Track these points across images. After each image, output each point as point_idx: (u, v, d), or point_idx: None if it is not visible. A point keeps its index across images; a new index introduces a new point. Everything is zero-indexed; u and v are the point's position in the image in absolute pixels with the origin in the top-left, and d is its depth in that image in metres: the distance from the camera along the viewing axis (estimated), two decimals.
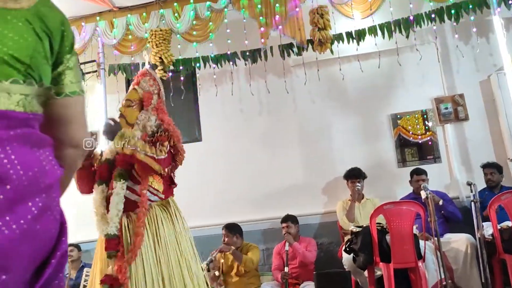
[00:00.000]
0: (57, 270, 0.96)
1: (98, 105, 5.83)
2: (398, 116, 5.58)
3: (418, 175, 4.84)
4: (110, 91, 6.00)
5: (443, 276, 3.87)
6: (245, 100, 5.91)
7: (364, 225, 4.18)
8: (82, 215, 5.90)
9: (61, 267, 0.98)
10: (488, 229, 3.89)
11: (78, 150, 1.11)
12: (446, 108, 5.38)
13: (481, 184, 4.71)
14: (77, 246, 5.44)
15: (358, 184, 5.00)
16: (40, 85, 0.99)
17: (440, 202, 4.36)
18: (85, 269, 5.14)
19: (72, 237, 5.82)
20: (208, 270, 4.02)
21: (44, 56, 1.00)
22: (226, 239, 4.84)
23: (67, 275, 5.37)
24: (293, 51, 5.48)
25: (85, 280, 4.97)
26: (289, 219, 5.01)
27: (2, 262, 0.84)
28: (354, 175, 5.08)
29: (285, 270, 4.59)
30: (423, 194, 4.14)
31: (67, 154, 1.09)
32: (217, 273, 4.47)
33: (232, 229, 4.91)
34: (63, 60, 1.06)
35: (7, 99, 0.92)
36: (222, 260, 4.79)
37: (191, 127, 6.15)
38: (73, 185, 2.67)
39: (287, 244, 4.78)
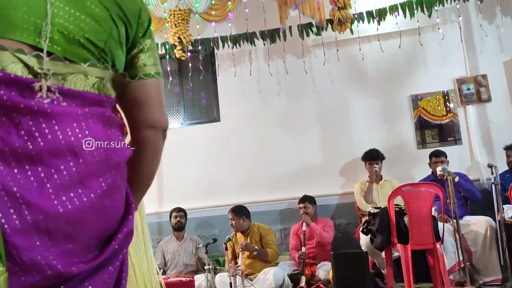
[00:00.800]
0: (122, 245, 0.99)
1: None
2: (419, 98, 5.50)
3: (437, 157, 4.78)
4: None
5: (461, 259, 3.86)
6: (264, 80, 5.90)
7: (382, 207, 4.17)
8: None
9: (126, 243, 1.01)
10: (508, 211, 3.86)
11: (157, 130, 1.10)
12: (468, 89, 5.29)
13: (502, 167, 4.65)
14: None
15: (376, 165, 4.98)
16: (115, 70, 1.01)
17: (456, 179, 4.30)
18: None
19: None
20: (226, 249, 4.08)
21: (119, 42, 1.02)
22: (233, 222, 4.89)
23: None
24: (312, 31, 5.41)
25: None
26: (307, 199, 5.03)
27: (71, 231, 0.88)
28: (372, 157, 5.06)
29: (303, 250, 4.63)
30: (438, 170, 4.11)
31: (146, 135, 1.08)
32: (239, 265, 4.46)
33: (238, 211, 4.95)
34: (137, 44, 1.07)
35: (83, 81, 0.95)
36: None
37: (210, 107, 6.17)
38: None
39: (304, 224, 4.81)
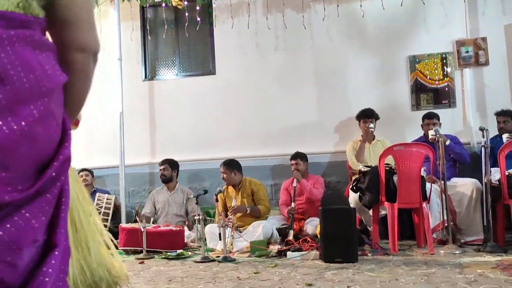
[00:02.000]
0: (59, 172, 0.96)
1: (111, 32, 5.76)
2: (417, 60, 5.45)
3: (429, 119, 4.80)
4: (124, 19, 5.92)
5: (445, 218, 3.95)
6: (261, 34, 5.80)
7: (373, 166, 4.22)
8: (94, 141, 6.07)
9: (64, 171, 0.98)
10: (495, 174, 3.91)
11: (86, 53, 1.04)
12: (467, 52, 5.24)
13: (493, 132, 4.68)
14: (90, 171, 5.60)
15: (370, 123, 4.99)
16: None
17: (447, 142, 4.34)
18: (97, 194, 5.33)
19: (86, 162, 6.02)
20: (217, 201, 4.13)
21: None
22: (224, 176, 4.92)
23: None
24: None
25: (97, 204, 5.17)
26: (299, 156, 5.07)
27: (2, 160, 0.85)
28: (367, 115, 5.07)
29: (292, 206, 4.71)
30: (430, 133, 4.14)
31: (75, 59, 1.03)
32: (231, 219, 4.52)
33: (230, 165, 4.97)
34: None
35: (6, 0, 0.88)
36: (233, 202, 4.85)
37: (205, 60, 6.10)
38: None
39: (295, 180, 4.87)
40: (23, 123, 0.87)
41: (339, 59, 5.65)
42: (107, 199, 5.24)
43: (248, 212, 4.77)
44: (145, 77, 6.15)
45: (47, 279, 0.91)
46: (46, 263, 0.92)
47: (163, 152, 5.82)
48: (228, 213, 4.70)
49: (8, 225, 0.86)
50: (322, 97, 5.67)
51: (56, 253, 0.95)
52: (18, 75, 0.86)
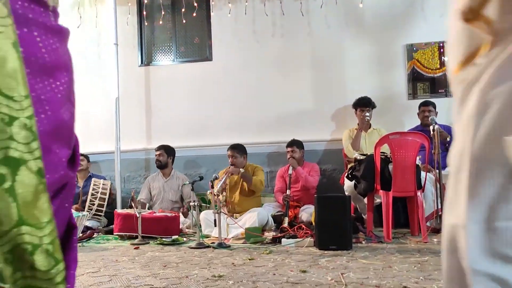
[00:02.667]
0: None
1: (107, 16, 5.71)
2: (414, 48, 5.44)
3: (424, 106, 4.82)
4: (120, 3, 5.87)
5: (439, 207, 3.98)
6: (259, 21, 5.76)
7: (369, 154, 4.23)
8: (90, 127, 6.05)
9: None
10: None
11: None
12: None
13: None
14: (86, 156, 5.59)
15: (367, 112, 4.99)
16: None
17: (448, 139, 4.35)
18: (93, 179, 5.33)
19: (81, 147, 6.02)
20: (212, 187, 4.14)
21: None
22: (234, 160, 4.92)
23: (75, 182, 5.58)
24: None
25: (93, 189, 5.17)
26: (295, 143, 5.07)
27: (68, 139, 1.02)
28: (364, 103, 5.06)
29: (287, 193, 4.72)
30: (431, 127, 4.15)
31: None
32: (223, 195, 4.54)
33: (239, 149, 4.98)
34: None
35: None
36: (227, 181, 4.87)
37: (202, 46, 6.06)
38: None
39: (291, 168, 4.88)
40: (73, 109, 1.05)
41: (336, 46, 5.62)
42: (103, 184, 5.24)
43: (240, 174, 4.79)
44: (142, 62, 6.10)
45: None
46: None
47: (159, 138, 5.81)
48: (224, 174, 4.73)
49: (67, 205, 1.04)
50: (318, 85, 5.66)
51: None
52: (71, 67, 1.06)
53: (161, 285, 2.48)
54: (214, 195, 4.02)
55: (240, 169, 4.82)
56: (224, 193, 4.60)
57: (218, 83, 5.84)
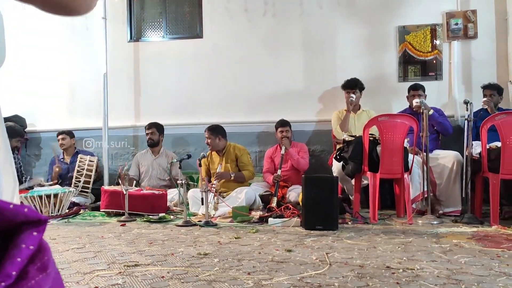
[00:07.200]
0: None
1: None
2: (406, 31, 5.40)
3: (414, 90, 4.80)
4: None
5: (425, 189, 4.01)
6: None
7: (357, 135, 4.23)
8: (77, 102, 5.98)
9: None
10: (477, 148, 3.95)
11: None
12: (456, 24, 5.21)
13: (478, 105, 4.70)
14: (68, 133, 5.52)
15: (352, 94, 4.97)
16: None
17: (430, 112, 4.33)
18: (79, 155, 5.28)
19: (68, 123, 5.93)
20: (200, 166, 4.12)
21: None
22: (208, 141, 4.90)
23: (62, 159, 5.53)
24: None
25: (79, 166, 5.14)
26: (288, 124, 5.05)
27: None
28: (350, 85, 5.04)
29: (278, 173, 4.71)
30: (415, 101, 4.17)
31: None
32: (214, 184, 4.51)
33: (214, 131, 4.94)
34: None
35: None
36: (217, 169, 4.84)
37: (193, 23, 5.96)
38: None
39: (283, 148, 4.86)
40: None
41: (327, 27, 5.57)
42: (90, 160, 5.20)
43: (232, 178, 4.78)
44: (131, 38, 6.00)
45: None
46: None
47: (147, 115, 5.76)
48: (212, 178, 4.71)
49: None
50: (309, 65, 5.62)
51: None
52: None
53: (146, 262, 2.48)
54: (203, 179, 4.00)
55: (231, 173, 4.79)
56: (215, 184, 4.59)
57: (208, 61, 5.78)
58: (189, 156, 4.57)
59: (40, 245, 0.64)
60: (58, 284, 0.68)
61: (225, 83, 5.73)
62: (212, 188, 4.32)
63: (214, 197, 4.35)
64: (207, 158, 4.95)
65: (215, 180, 4.65)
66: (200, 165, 4.09)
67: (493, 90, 4.61)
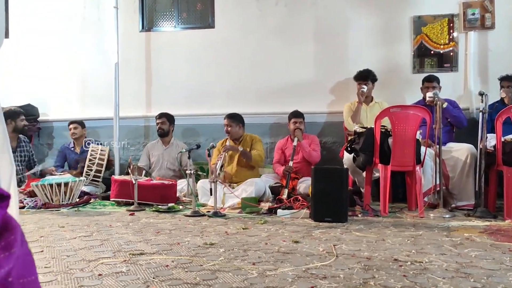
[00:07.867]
0: None
1: None
2: (423, 22, 5.28)
3: (428, 82, 4.70)
4: None
5: (437, 182, 3.93)
6: None
7: (368, 127, 4.16)
8: (89, 92, 6.00)
9: None
10: (491, 140, 3.85)
11: None
12: (473, 14, 5.08)
13: (494, 98, 4.59)
14: (80, 122, 5.54)
15: (364, 85, 4.89)
16: None
17: (444, 105, 4.23)
18: (91, 145, 5.31)
19: (80, 113, 5.96)
20: (209, 156, 4.10)
21: None
22: (229, 129, 4.88)
23: (72, 148, 5.56)
24: None
25: (91, 155, 5.16)
26: (302, 115, 4.99)
27: None
28: (362, 77, 4.96)
29: (290, 165, 4.67)
30: (428, 94, 4.07)
31: None
32: (220, 169, 4.49)
33: (236, 118, 4.92)
34: None
35: None
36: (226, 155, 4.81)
37: (204, 13, 5.93)
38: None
39: (295, 139, 4.81)
40: None
41: (341, 16, 5.49)
42: (102, 150, 5.22)
43: (239, 152, 4.74)
44: (142, 27, 5.99)
45: None
46: None
47: (159, 105, 5.76)
48: (221, 150, 4.69)
49: None
50: (321, 56, 5.54)
51: None
52: None
53: (151, 251, 2.47)
54: (212, 169, 3.98)
55: (239, 147, 4.76)
56: (223, 170, 4.56)
57: (220, 51, 5.74)
58: (198, 146, 4.55)
59: (6, 223, 0.60)
60: (25, 266, 0.64)
61: (237, 74, 5.69)
62: (220, 178, 4.29)
63: (223, 188, 4.33)
64: (222, 143, 4.93)
65: (222, 152, 4.63)
66: (209, 155, 4.07)
67: (510, 81, 4.50)
